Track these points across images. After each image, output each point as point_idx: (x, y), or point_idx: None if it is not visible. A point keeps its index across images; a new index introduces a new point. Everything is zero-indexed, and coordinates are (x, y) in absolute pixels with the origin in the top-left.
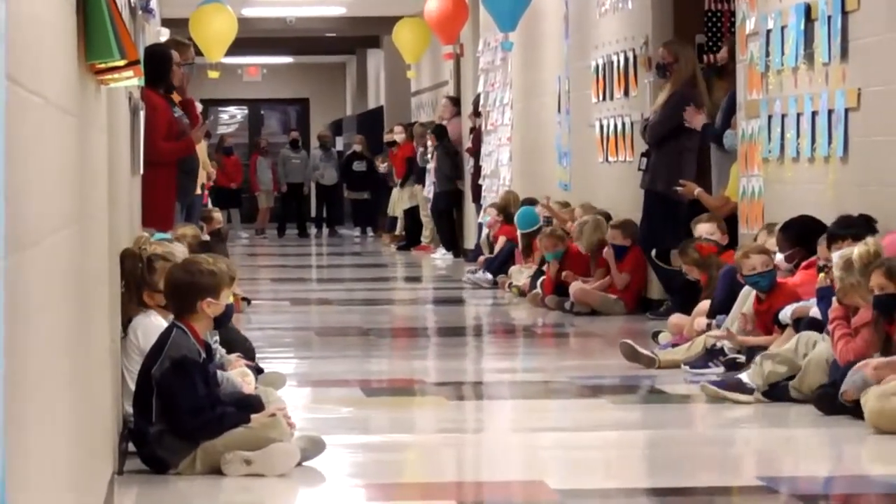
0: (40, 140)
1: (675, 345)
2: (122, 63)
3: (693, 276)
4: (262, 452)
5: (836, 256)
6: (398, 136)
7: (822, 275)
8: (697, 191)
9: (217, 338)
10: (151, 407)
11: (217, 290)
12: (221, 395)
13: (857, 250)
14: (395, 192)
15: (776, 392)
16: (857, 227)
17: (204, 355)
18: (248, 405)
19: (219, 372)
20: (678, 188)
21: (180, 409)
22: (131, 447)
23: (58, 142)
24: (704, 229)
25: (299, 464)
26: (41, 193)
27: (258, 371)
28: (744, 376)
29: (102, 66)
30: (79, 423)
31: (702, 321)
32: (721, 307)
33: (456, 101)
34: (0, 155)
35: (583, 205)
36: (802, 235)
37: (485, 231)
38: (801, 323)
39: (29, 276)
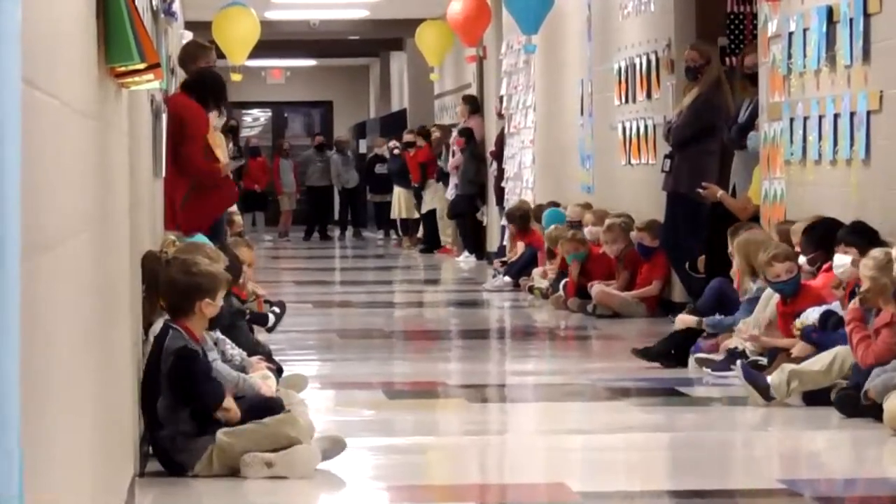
0: (58, 143)
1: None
2: (142, 66)
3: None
4: (284, 454)
5: (854, 261)
6: (411, 138)
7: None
8: (720, 193)
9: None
10: (159, 413)
11: (215, 291)
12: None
13: (895, 252)
14: (399, 193)
15: (817, 396)
16: (870, 233)
17: (201, 354)
18: (269, 408)
19: (239, 374)
20: (701, 190)
21: (198, 388)
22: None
23: (77, 144)
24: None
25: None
26: (59, 196)
27: (279, 371)
28: (771, 383)
29: (123, 69)
30: (100, 426)
31: (688, 319)
32: (706, 313)
33: (470, 101)
34: (15, 157)
35: (595, 211)
36: (825, 238)
37: (507, 233)
38: (829, 323)
39: (48, 279)
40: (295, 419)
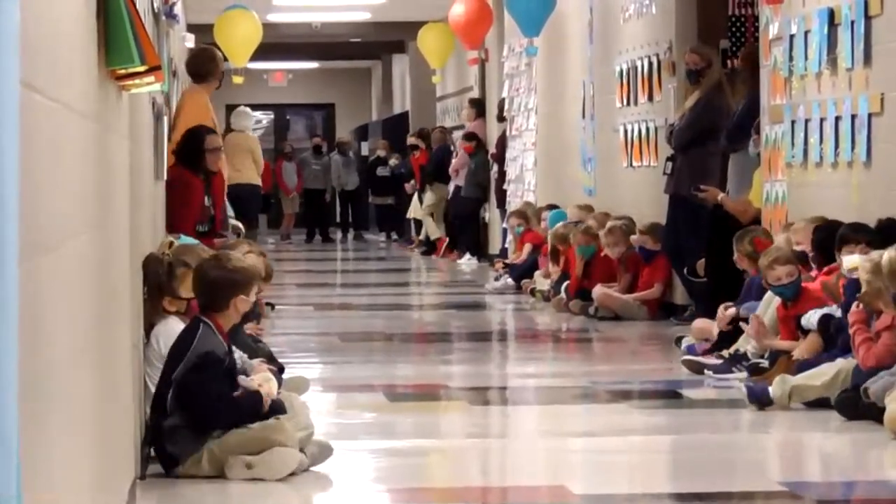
0: (57, 145)
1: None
2: (142, 69)
3: (742, 266)
4: (263, 456)
5: (853, 259)
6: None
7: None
8: (720, 196)
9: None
10: (167, 402)
11: (249, 287)
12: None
13: (886, 255)
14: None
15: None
16: (870, 232)
17: (227, 352)
18: (271, 410)
19: (240, 377)
20: (698, 193)
21: (201, 401)
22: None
23: (76, 147)
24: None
25: (307, 469)
26: (59, 198)
27: (280, 370)
28: (773, 394)
29: (123, 71)
30: (101, 429)
31: (730, 310)
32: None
33: (476, 104)
34: (14, 160)
35: (596, 215)
36: (825, 241)
37: (510, 235)
38: (830, 326)
39: (48, 279)
40: (282, 425)
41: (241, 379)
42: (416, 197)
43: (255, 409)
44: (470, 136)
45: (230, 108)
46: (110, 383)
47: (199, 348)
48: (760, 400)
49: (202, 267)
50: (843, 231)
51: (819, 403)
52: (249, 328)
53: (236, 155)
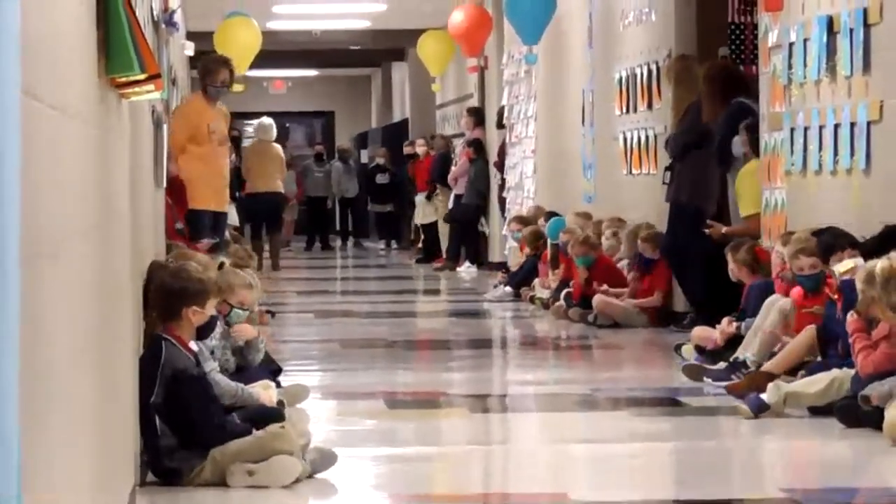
0: (57, 152)
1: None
2: (142, 77)
3: (738, 276)
4: (265, 465)
5: (846, 263)
6: (420, 148)
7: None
8: (724, 230)
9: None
10: (157, 423)
11: (203, 298)
12: (243, 406)
13: (880, 264)
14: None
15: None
16: (850, 236)
17: (196, 363)
18: (270, 418)
19: (238, 385)
20: (706, 230)
21: (190, 421)
22: None
23: (76, 154)
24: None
25: (311, 476)
26: (60, 201)
27: (277, 372)
28: (768, 401)
29: (123, 79)
30: (101, 429)
31: (731, 328)
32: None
33: (474, 112)
34: (14, 166)
35: (596, 222)
36: (830, 246)
37: (510, 243)
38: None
39: (48, 282)
40: (287, 434)
41: (241, 389)
42: (423, 203)
43: (243, 436)
44: (471, 143)
45: (230, 116)
46: (110, 384)
47: (169, 366)
48: (756, 408)
49: (159, 276)
50: (826, 239)
51: (819, 410)
52: None
53: (272, 165)
